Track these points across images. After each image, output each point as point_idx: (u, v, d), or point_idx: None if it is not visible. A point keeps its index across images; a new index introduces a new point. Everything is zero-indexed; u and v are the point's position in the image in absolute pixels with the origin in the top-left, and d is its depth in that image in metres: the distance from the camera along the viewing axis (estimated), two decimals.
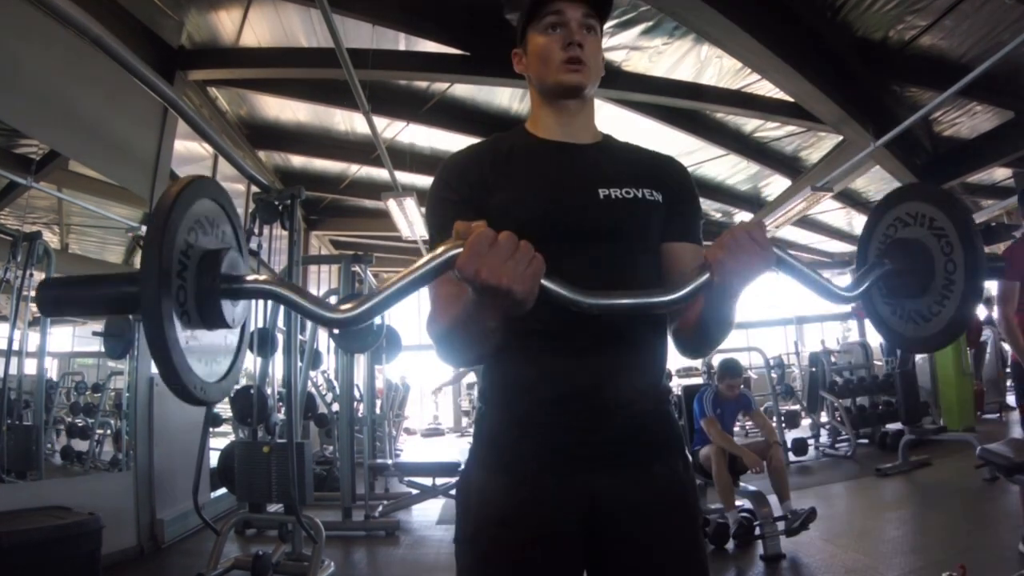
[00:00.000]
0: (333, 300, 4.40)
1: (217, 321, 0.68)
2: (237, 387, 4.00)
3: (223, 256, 0.68)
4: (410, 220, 6.05)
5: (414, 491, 4.39)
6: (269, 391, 3.34)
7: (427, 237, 0.93)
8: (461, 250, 0.64)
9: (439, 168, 0.94)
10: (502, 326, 0.74)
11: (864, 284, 0.81)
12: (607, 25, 4.19)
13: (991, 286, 3.12)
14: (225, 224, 0.75)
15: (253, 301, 0.83)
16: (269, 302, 3.79)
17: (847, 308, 12.51)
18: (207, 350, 0.71)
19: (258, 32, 4.41)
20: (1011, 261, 2.69)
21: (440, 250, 0.65)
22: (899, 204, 0.85)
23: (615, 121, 5.31)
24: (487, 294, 0.65)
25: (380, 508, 4.10)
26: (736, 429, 4.41)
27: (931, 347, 0.82)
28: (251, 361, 3.80)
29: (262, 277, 0.71)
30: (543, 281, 0.68)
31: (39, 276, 3.15)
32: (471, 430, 1.05)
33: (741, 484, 3.30)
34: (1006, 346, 8.51)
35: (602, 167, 0.93)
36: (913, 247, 0.80)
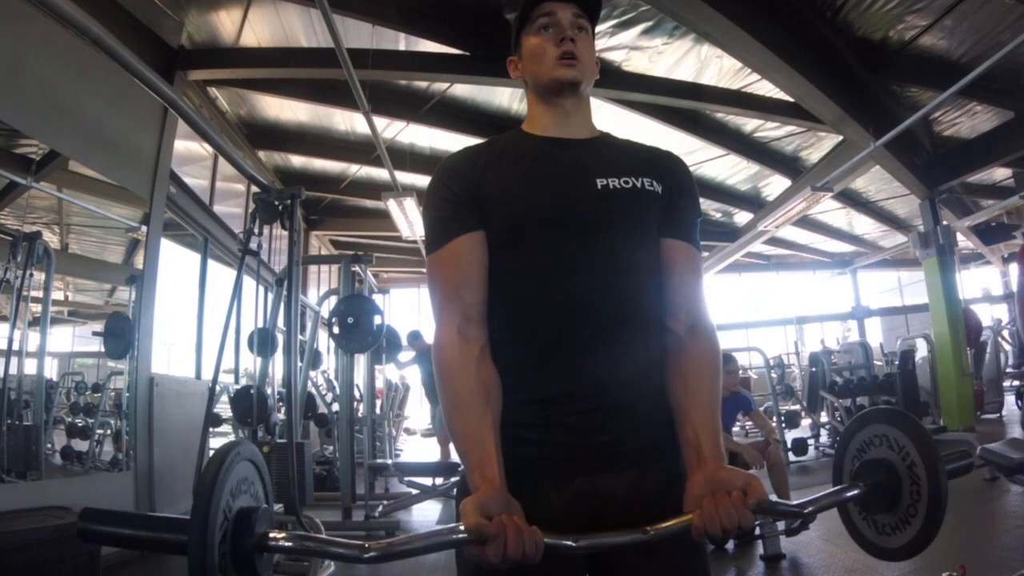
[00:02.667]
0: (334, 300, 4.41)
1: (250, 574, 0.76)
2: (237, 387, 4.00)
3: (256, 518, 0.76)
4: (410, 220, 6.05)
5: (414, 491, 4.39)
6: (269, 391, 3.34)
7: (425, 236, 0.93)
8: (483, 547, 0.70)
9: (436, 169, 0.95)
10: None
11: (834, 501, 0.87)
12: (607, 25, 4.17)
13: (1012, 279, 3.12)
14: (257, 481, 0.83)
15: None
16: (269, 300, 3.81)
17: (847, 308, 12.54)
18: None
19: (258, 32, 4.41)
20: None
21: (451, 530, 0.72)
22: (864, 427, 0.94)
23: (615, 121, 5.31)
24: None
25: (380, 508, 4.10)
26: (736, 429, 4.41)
27: (899, 557, 0.89)
28: (251, 361, 3.80)
29: (296, 534, 0.77)
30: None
31: (39, 276, 3.15)
32: None
33: None
34: (1006, 346, 8.52)
35: (599, 159, 0.93)
36: (883, 469, 0.88)
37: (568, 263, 0.86)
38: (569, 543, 0.75)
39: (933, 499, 0.83)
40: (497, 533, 0.70)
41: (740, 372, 4.02)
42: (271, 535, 0.76)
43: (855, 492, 0.86)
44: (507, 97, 5.30)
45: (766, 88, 4.80)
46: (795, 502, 0.81)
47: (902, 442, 0.87)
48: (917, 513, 0.84)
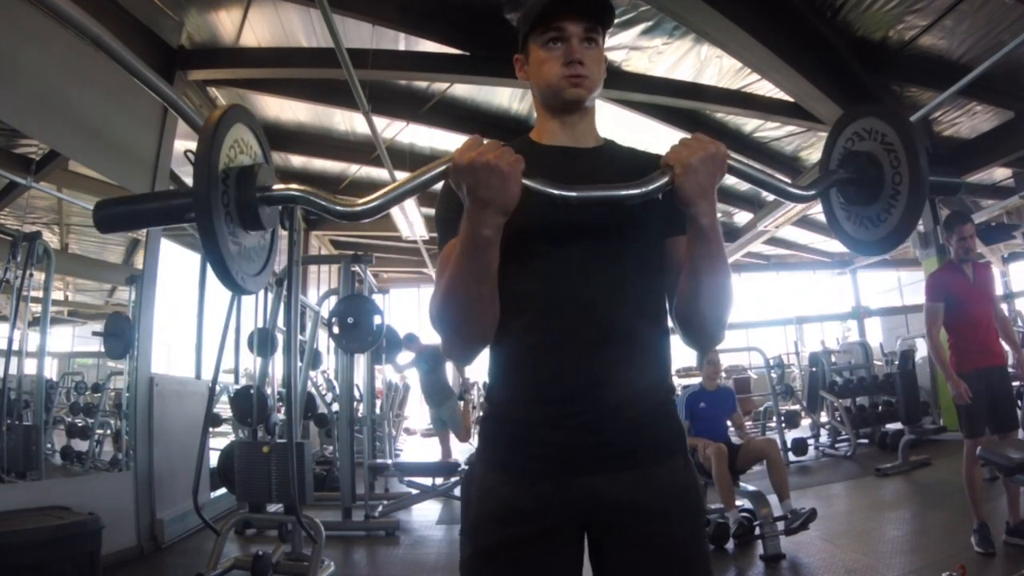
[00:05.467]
0: (334, 300, 4.42)
1: (255, 223, 0.83)
2: (237, 387, 4.00)
3: (258, 170, 0.84)
4: (410, 220, 6.05)
5: (414, 491, 4.39)
6: (269, 391, 3.34)
7: (430, 236, 0.94)
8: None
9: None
10: (497, 244, 0.79)
11: (819, 187, 0.92)
12: None
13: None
14: (255, 145, 0.90)
15: (271, 241, 1.03)
16: (269, 300, 3.81)
17: (847, 308, 12.53)
18: (246, 250, 0.87)
19: (258, 32, 4.41)
20: (935, 284, 2.96)
21: (436, 162, 0.79)
22: (855, 120, 0.96)
23: (615, 121, 5.31)
24: (479, 180, 0.74)
25: (380, 508, 4.10)
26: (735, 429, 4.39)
27: (878, 250, 0.93)
28: (251, 361, 3.80)
29: (292, 185, 0.86)
30: (525, 180, 0.77)
31: (39, 276, 3.15)
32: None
33: (741, 484, 3.30)
34: (1006, 346, 8.50)
35: (601, 167, 0.95)
36: (865, 159, 0.91)
37: (570, 267, 0.87)
38: (552, 190, 0.79)
39: (913, 188, 0.84)
40: (480, 140, 0.76)
41: (743, 372, 4.02)
42: (271, 186, 0.84)
43: (840, 176, 0.92)
44: (507, 97, 5.30)
45: (766, 88, 4.80)
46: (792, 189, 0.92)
47: (888, 135, 0.89)
48: (898, 204, 0.87)
